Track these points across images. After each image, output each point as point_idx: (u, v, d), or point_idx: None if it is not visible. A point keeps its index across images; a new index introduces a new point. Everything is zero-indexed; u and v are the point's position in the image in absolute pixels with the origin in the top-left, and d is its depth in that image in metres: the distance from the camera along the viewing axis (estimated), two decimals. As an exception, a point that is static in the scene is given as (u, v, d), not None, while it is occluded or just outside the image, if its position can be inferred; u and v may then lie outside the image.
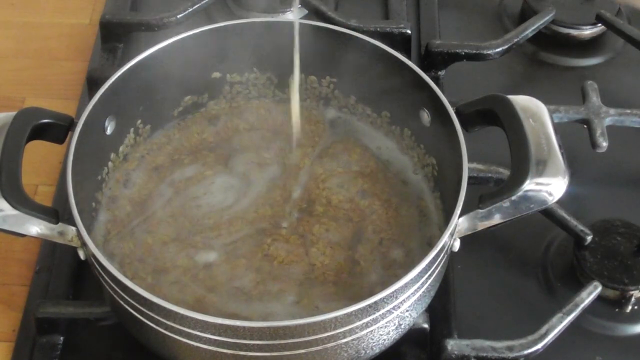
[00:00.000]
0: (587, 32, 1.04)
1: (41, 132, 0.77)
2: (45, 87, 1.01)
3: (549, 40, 1.04)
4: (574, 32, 1.04)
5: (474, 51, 0.98)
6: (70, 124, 0.78)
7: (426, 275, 0.71)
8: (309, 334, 0.67)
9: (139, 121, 0.86)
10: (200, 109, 0.90)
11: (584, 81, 0.95)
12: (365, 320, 0.69)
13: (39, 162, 0.92)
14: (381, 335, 0.72)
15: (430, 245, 0.77)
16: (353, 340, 0.70)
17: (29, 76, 1.03)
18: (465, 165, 0.74)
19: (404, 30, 1.00)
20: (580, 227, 0.84)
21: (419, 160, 0.86)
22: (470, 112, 0.79)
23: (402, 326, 0.74)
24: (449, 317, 0.81)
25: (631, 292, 0.82)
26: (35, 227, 0.72)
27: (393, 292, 0.68)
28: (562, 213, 0.84)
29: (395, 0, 1.06)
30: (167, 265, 0.79)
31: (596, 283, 0.81)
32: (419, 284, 0.71)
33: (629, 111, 0.93)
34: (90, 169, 0.81)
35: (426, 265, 0.70)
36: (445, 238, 0.71)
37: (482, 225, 0.74)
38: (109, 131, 0.82)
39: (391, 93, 0.86)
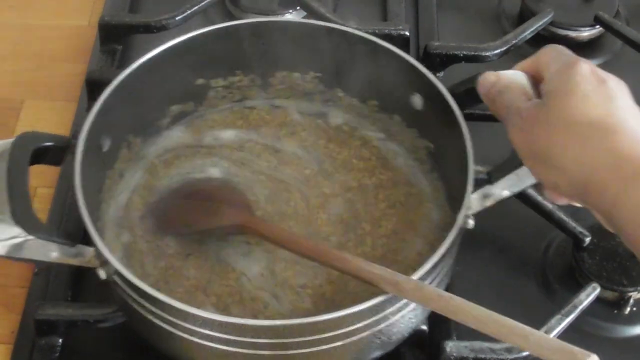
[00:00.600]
0: (586, 33, 1.04)
1: (39, 157, 0.76)
2: (44, 89, 1.01)
3: (547, 41, 1.03)
4: (572, 33, 1.04)
5: (473, 53, 0.98)
6: (67, 146, 0.77)
7: (439, 266, 0.71)
8: (313, 333, 0.68)
9: (131, 135, 0.85)
10: (188, 116, 0.89)
11: (582, 82, 0.95)
12: (371, 320, 0.69)
13: (37, 163, 0.92)
14: (388, 334, 0.72)
15: (431, 246, 0.77)
16: (361, 338, 0.70)
17: (27, 78, 1.03)
18: (469, 142, 0.75)
19: (402, 32, 0.99)
20: (579, 228, 0.84)
21: (412, 145, 0.86)
22: (460, 92, 0.79)
23: (409, 326, 0.74)
24: (448, 319, 0.80)
25: (630, 294, 0.82)
26: (53, 253, 0.72)
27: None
28: (561, 214, 0.84)
29: (394, 2, 1.06)
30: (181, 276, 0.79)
31: (595, 284, 0.81)
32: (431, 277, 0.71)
33: (627, 112, 0.93)
34: (92, 185, 0.79)
35: (437, 260, 0.70)
36: (453, 235, 0.71)
37: (490, 201, 0.76)
38: (105, 148, 0.81)
39: (380, 81, 0.85)
